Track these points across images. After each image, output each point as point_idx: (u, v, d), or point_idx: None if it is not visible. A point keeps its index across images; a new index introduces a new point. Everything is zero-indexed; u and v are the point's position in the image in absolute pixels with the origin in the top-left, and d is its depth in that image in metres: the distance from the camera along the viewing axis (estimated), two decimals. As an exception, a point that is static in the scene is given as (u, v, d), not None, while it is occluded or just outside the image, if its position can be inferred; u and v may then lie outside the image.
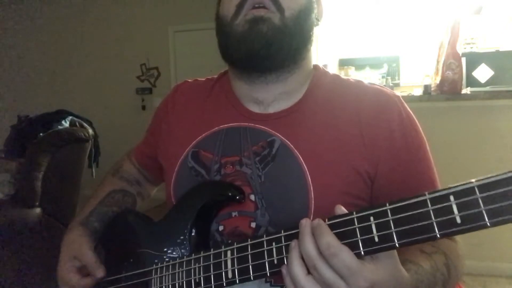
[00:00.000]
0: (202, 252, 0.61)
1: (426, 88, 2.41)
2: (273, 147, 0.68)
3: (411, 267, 0.54)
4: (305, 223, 0.49)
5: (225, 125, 0.73)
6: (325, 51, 4.19)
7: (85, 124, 2.62)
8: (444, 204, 0.41)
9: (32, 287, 2.01)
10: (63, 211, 2.27)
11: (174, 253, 0.66)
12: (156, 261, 0.68)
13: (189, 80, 0.86)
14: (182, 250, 0.66)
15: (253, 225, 0.65)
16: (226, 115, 0.73)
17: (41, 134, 2.33)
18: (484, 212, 0.39)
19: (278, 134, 0.68)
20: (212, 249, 0.60)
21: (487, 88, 2.36)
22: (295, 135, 0.68)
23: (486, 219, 0.39)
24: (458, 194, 0.41)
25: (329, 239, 0.46)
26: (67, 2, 4.86)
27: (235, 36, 0.66)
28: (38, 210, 2.13)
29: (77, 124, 2.59)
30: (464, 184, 0.41)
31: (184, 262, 0.63)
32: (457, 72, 2.27)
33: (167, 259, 0.66)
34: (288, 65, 0.69)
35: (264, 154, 0.68)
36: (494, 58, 2.56)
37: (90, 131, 2.52)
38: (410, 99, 2.34)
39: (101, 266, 0.74)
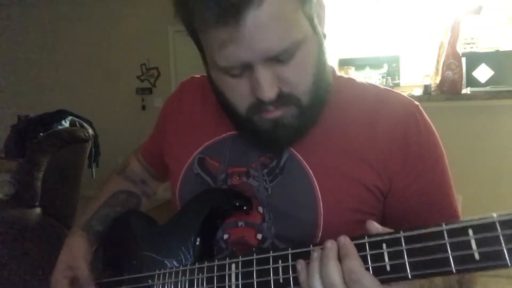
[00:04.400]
0: (206, 262, 0.59)
1: (426, 88, 2.41)
2: (281, 158, 0.64)
3: (424, 283, 0.52)
4: (331, 246, 0.46)
5: (232, 132, 0.70)
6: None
7: (85, 124, 2.62)
8: (462, 238, 0.39)
9: (33, 287, 2.01)
10: (63, 211, 2.27)
11: (177, 259, 0.65)
12: (158, 265, 0.67)
13: (196, 76, 0.82)
14: (186, 257, 0.65)
15: (259, 236, 0.64)
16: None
17: (41, 134, 2.33)
18: (505, 251, 0.36)
19: None
20: (216, 260, 0.58)
21: (487, 88, 2.36)
22: (304, 147, 0.64)
23: (507, 259, 0.36)
24: (477, 229, 0.39)
25: (353, 263, 0.44)
26: (67, 2, 4.86)
27: (254, 128, 0.61)
28: (38, 210, 2.13)
29: (77, 124, 2.59)
30: (484, 218, 0.38)
31: (188, 271, 0.61)
32: (457, 72, 2.27)
33: (169, 265, 0.65)
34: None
35: (272, 166, 0.65)
36: (494, 58, 2.56)
37: (90, 131, 2.52)
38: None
39: (92, 283, 0.73)
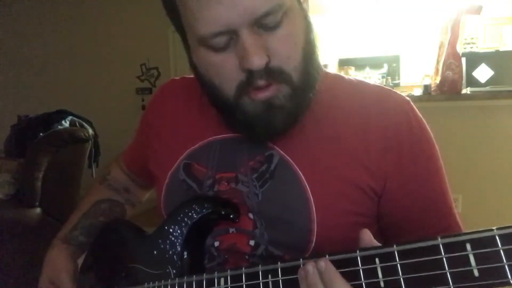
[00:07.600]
0: (194, 276, 0.57)
1: (426, 88, 2.41)
2: (272, 162, 0.61)
3: None
4: (312, 270, 0.44)
5: (220, 136, 0.66)
6: (325, 51, 4.19)
7: (85, 124, 2.62)
8: (460, 254, 0.37)
9: (33, 287, 2.01)
10: (63, 211, 2.26)
11: (166, 270, 0.63)
12: (148, 278, 0.64)
13: (177, 79, 0.79)
14: (175, 268, 0.62)
15: (251, 243, 0.61)
16: (221, 124, 0.64)
17: (41, 134, 2.33)
18: (507, 267, 0.34)
19: (276, 148, 0.62)
20: (205, 274, 0.56)
21: (487, 88, 2.36)
22: (295, 149, 0.61)
23: (509, 276, 0.34)
24: (476, 243, 0.36)
25: None
26: (66, 2, 4.86)
27: (245, 114, 0.56)
28: (38, 210, 2.13)
29: (77, 124, 2.59)
30: (483, 232, 0.36)
31: (176, 285, 0.59)
32: (457, 72, 2.27)
33: (159, 278, 0.62)
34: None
35: (262, 170, 0.61)
36: (494, 58, 2.56)
37: (90, 131, 2.52)
38: (410, 99, 2.34)
39: None
